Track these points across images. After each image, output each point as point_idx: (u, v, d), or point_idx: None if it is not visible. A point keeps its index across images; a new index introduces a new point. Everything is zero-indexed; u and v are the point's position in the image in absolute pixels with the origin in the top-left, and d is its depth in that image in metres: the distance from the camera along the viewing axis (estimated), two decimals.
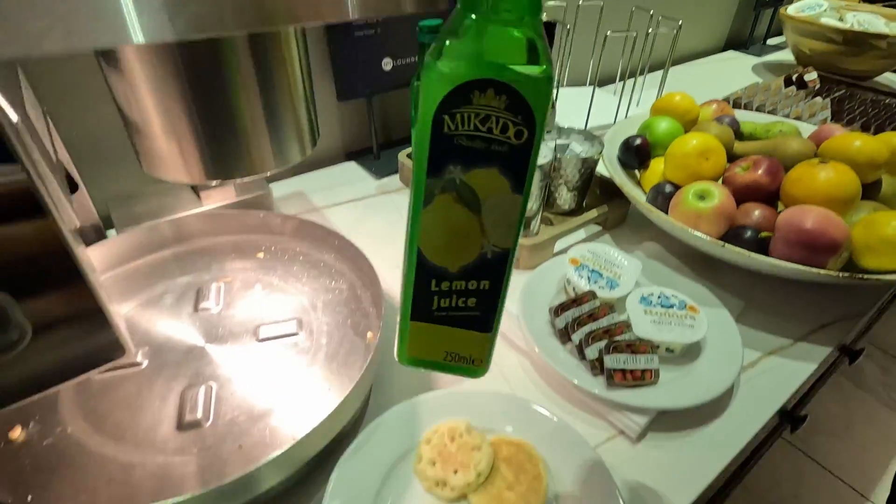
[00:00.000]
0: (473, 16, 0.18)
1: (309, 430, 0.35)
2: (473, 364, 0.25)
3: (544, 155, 0.62)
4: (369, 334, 0.49)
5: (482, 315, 0.24)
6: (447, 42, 0.18)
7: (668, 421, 0.49)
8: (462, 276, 0.23)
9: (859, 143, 0.64)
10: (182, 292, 0.53)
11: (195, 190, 0.64)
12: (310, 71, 0.35)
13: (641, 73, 1.10)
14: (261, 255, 0.57)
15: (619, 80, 1.09)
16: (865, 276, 0.52)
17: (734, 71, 1.45)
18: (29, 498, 0.35)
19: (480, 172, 0.20)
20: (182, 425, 0.40)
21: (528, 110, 0.19)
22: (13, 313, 0.28)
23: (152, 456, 0.39)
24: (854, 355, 0.73)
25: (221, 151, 0.32)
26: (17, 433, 0.39)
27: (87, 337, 0.31)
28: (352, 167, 0.88)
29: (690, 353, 0.53)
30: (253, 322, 0.49)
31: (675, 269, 0.63)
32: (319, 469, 0.43)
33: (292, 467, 0.38)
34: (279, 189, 0.81)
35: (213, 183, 0.47)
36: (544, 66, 0.18)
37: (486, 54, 0.18)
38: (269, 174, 0.46)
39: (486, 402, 0.47)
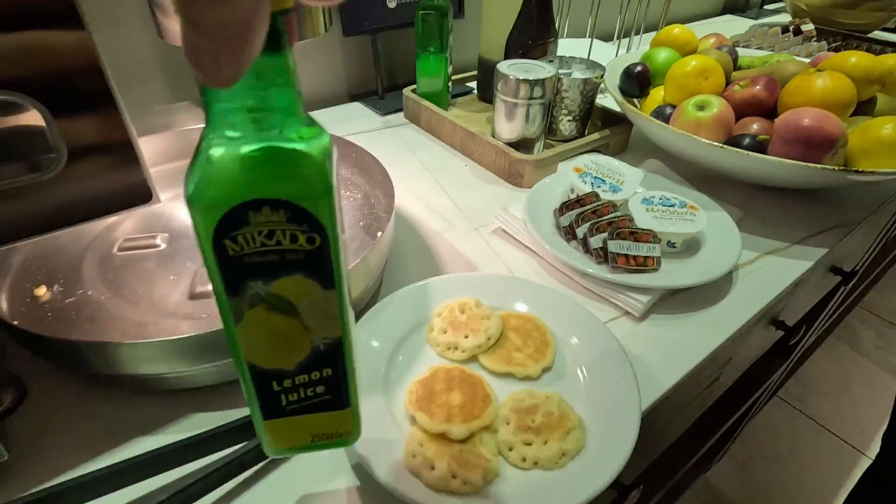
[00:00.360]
0: (230, 133, 0.16)
1: None
2: (342, 436, 0.24)
3: (544, 83, 0.64)
4: (379, 234, 0.50)
5: (334, 397, 0.23)
6: (204, 167, 0.16)
7: (669, 304, 0.50)
8: (301, 370, 0.21)
9: (855, 59, 0.66)
10: None
11: None
12: None
13: (637, 32, 1.12)
14: None
15: (616, 39, 1.11)
16: (860, 170, 0.53)
17: (731, 33, 1.46)
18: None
19: (284, 281, 0.19)
20: (194, 295, 0.42)
21: (311, 217, 0.17)
22: (50, 129, 0.29)
23: (164, 318, 0.41)
24: (848, 277, 0.75)
25: None
26: (42, 291, 0.41)
27: (118, 171, 0.33)
28: (356, 106, 0.89)
29: (691, 248, 0.55)
30: None
31: (675, 182, 0.65)
32: None
33: None
34: None
35: None
36: (317, 171, 0.17)
37: (250, 172, 0.17)
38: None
39: (495, 283, 0.49)
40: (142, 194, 0.34)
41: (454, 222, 0.61)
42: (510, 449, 0.36)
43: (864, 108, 0.67)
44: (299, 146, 0.17)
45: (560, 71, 0.75)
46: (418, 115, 0.81)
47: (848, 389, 1.68)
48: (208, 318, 0.41)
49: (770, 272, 0.55)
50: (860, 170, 0.54)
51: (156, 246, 0.48)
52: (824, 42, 1.03)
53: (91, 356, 0.35)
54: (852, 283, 0.80)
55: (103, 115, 0.31)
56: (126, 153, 0.32)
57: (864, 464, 1.46)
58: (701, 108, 0.62)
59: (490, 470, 0.34)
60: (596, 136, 0.72)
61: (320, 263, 0.19)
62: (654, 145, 0.74)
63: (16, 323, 0.35)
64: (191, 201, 0.17)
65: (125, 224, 0.50)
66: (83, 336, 0.37)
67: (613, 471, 0.33)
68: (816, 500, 1.37)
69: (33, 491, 0.30)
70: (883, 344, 1.83)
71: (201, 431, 0.35)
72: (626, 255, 0.50)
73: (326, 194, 0.17)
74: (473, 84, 0.94)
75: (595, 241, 0.51)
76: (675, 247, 0.54)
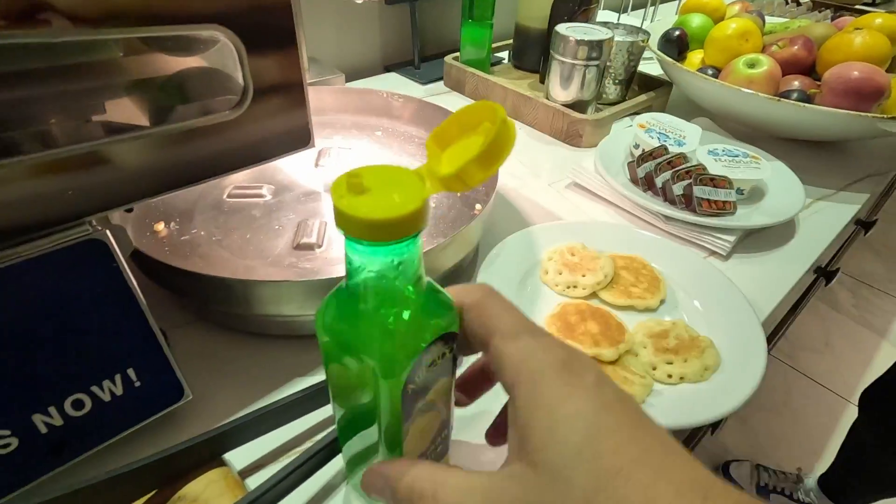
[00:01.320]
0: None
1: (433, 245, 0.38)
2: None
3: (602, 45, 0.66)
4: (478, 206, 0.52)
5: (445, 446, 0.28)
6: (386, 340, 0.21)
7: (746, 244, 0.54)
8: (432, 443, 0.26)
9: (881, 20, 0.71)
10: (306, 153, 0.55)
11: None
12: None
13: (653, 3, 1.16)
14: (379, 133, 0.59)
15: (648, 6, 1.15)
16: None
17: None
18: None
19: (436, 389, 0.23)
20: (298, 245, 0.43)
21: (453, 335, 0.23)
22: (243, 66, 0.30)
23: (269, 265, 0.42)
24: (868, 226, 0.82)
25: None
26: (160, 227, 0.44)
27: (289, 113, 0.34)
28: (393, 77, 0.90)
29: (755, 195, 0.59)
30: None
31: (726, 136, 0.69)
32: None
33: None
34: None
35: None
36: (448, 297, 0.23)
37: (424, 318, 0.21)
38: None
39: (595, 229, 0.51)
40: (303, 138, 0.35)
41: (526, 181, 0.63)
42: (654, 368, 0.38)
43: (889, 67, 0.72)
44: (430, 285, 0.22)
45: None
46: (462, 83, 0.83)
47: (831, 345, 1.80)
48: (311, 267, 0.42)
49: (826, 215, 0.60)
50: None
51: (262, 196, 0.49)
52: (827, 11, 1.09)
53: (237, 293, 0.36)
54: (870, 231, 0.87)
55: (287, 53, 0.31)
56: (298, 95, 0.33)
57: (850, 410, 1.58)
58: (751, 65, 0.66)
59: (647, 384, 0.36)
60: (643, 97, 0.75)
61: (454, 361, 0.24)
62: (694, 107, 0.77)
63: (162, 256, 0.36)
64: (386, 376, 0.20)
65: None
66: (224, 272, 0.38)
67: (756, 378, 0.37)
68: (810, 445, 1.48)
69: (223, 423, 0.31)
70: (859, 303, 1.97)
71: None
72: (709, 200, 0.53)
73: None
74: (503, 54, 0.96)
75: (677, 188, 0.54)
76: (742, 193, 0.58)
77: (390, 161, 0.54)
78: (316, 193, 0.50)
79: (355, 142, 0.58)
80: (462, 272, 0.48)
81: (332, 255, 0.43)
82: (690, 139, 0.62)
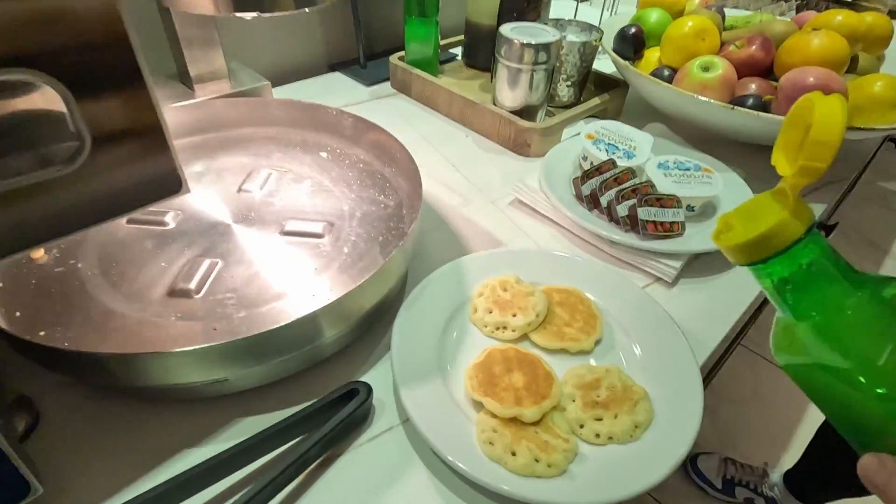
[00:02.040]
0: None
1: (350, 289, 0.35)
2: None
3: (549, 47, 0.62)
4: (412, 225, 0.47)
5: None
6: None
7: (695, 268, 0.51)
8: None
9: (841, 17, 0.67)
10: (237, 171, 0.51)
11: (186, 81, 0.59)
12: None
13: None
14: (324, 154, 0.54)
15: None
16: (860, 126, 0.55)
17: None
18: (17, 314, 0.36)
19: None
20: (173, 292, 0.39)
21: None
22: (72, 112, 0.25)
23: (136, 311, 0.37)
24: (829, 230, 0.79)
25: None
26: (39, 254, 0.40)
27: (146, 159, 0.29)
28: (337, 77, 0.84)
29: (707, 210, 0.56)
30: (285, 215, 0.46)
31: (680, 144, 0.65)
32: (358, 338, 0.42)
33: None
34: None
35: (239, 15, 0.44)
36: None
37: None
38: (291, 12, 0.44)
39: (529, 259, 0.48)
40: (171, 185, 0.30)
41: (468, 197, 0.59)
42: (581, 426, 0.35)
43: (849, 66, 0.69)
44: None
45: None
46: (408, 85, 0.78)
47: None
48: (175, 321, 0.37)
49: None
50: (859, 126, 0.56)
51: (164, 224, 0.44)
52: (793, 1, 1.06)
53: (109, 368, 0.31)
54: (830, 235, 0.85)
55: (133, 94, 0.26)
56: (156, 138, 0.28)
57: None
58: (706, 69, 0.62)
59: (570, 450, 0.33)
60: (596, 101, 0.71)
61: None
62: (650, 109, 0.74)
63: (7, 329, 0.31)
64: None
65: None
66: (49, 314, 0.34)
67: (690, 437, 0.34)
68: (779, 435, 1.49)
69: None
70: None
71: (257, 433, 0.32)
72: (655, 222, 0.50)
73: None
74: (457, 50, 0.90)
75: (622, 209, 0.51)
76: (693, 210, 0.55)
77: (324, 185, 0.50)
78: (223, 226, 0.45)
79: (296, 164, 0.53)
80: (387, 309, 0.44)
81: (206, 305, 0.38)
82: (641, 150, 0.58)
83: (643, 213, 0.50)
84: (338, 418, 0.34)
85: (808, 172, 0.23)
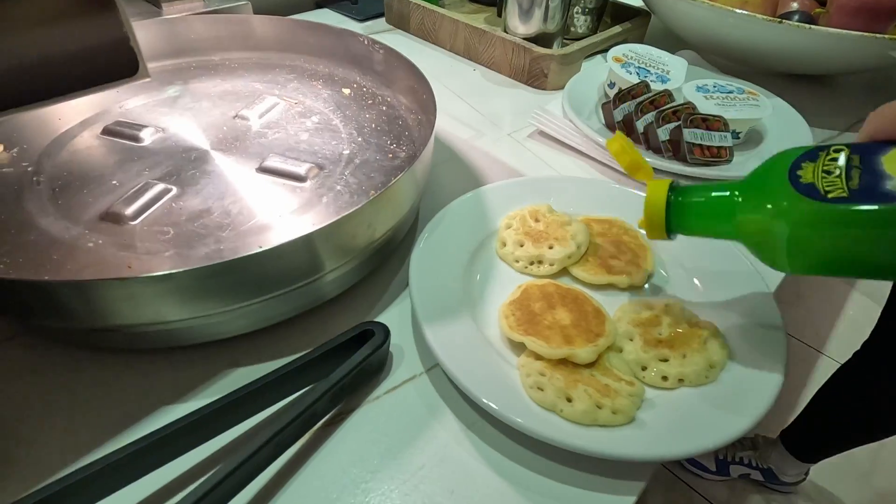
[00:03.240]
0: None
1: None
2: None
3: None
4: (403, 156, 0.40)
5: None
6: None
7: None
8: None
9: None
10: (242, 96, 0.44)
11: None
12: None
13: None
14: (347, 90, 0.46)
15: None
16: None
17: None
18: None
19: None
20: (106, 215, 0.32)
21: None
22: None
23: (57, 230, 0.31)
24: None
25: None
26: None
27: (89, 19, 0.21)
28: (326, 14, 0.76)
29: (753, 138, 0.49)
30: (273, 149, 0.39)
31: (715, 73, 0.58)
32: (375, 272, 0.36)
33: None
34: None
35: None
36: None
37: None
38: None
39: (563, 186, 0.41)
40: (123, 61, 0.23)
41: (482, 129, 0.52)
42: (643, 368, 0.29)
43: None
44: None
45: None
46: (406, 18, 0.70)
47: (802, 296, 1.78)
48: (95, 246, 0.30)
49: None
50: None
51: (138, 140, 0.38)
52: None
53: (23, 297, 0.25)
54: None
55: None
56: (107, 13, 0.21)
57: (823, 361, 1.57)
58: None
59: (637, 393, 0.27)
60: (617, 28, 0.64)
61: None
62: (675, 39, 0.67)
63: None
64: None
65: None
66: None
67: (778, 374, 0.28)
68: (784, 396, 1.47)
69: (45, 485, 0.21)
70: None
71: (250, 382, 0.26)
72: (702, 146, 0.43)
73: None
74: None
75: (662, 133, 0.44)
76: (738, 137, 0.49)
77: (332, 125, 0.41)
78: (199, 151, 0.38)
79: (310, 98, 0.45)
80: (397, 246, 0.38)
81: (137, 234, 0.31)
82: (675, 74, 0.52)
83: (688, 135, 0.43)
84: (349, 365, 0.27)
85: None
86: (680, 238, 0.31)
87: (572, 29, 0.67)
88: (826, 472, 1.15)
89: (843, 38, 0.49)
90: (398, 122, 0.43)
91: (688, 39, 0.63)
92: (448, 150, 0.49)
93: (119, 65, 0.23)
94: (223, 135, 0.39)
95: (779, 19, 0.51)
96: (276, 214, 0.33)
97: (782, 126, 0.50)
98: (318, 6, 0.78)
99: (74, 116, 0.39)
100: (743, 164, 0.45)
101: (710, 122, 0.44)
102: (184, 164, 0.36)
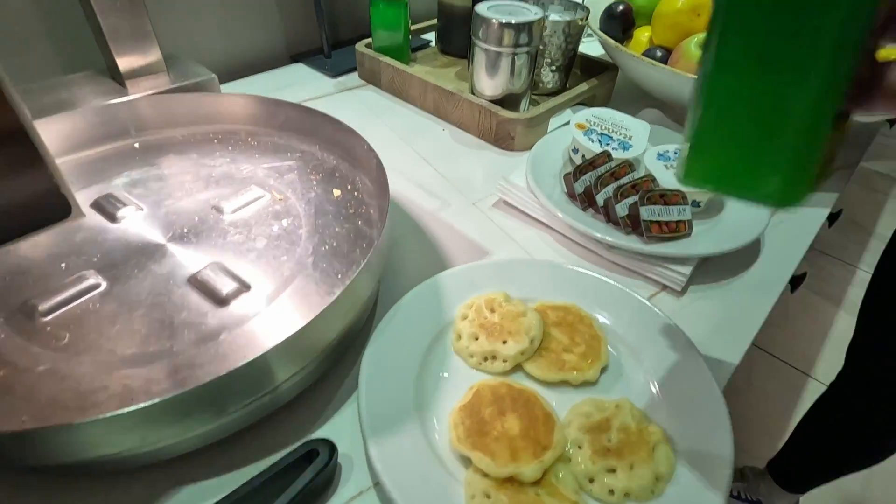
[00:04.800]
0: None
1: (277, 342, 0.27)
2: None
3: (531, 27, 0.55)
4: (378, 234, 0.40)
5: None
6: None
7: (706, 272, 0.45)
8: None
9: None
10: (236, 181, 0.44)
11: (117, 77, 0.51)
12: None
13: None
14: (338, 193, 0.44)
15: None
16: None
17: None
18: None
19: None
20: (23, 306, 0.32)
21: None
22: None
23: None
24: (833, 218, 0.75)
25: None
26: None
27: (14, 175, 0.21)
28: (300, 69, 0.76)
29: (714, 206, 0.50)
30: (219, 255, 0.38)
31: (679, 132, 0.59)
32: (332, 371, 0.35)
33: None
34: None
35: None
36: None
37: None
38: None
39: (518, 271, 0.41)
40: (56, 207, 0.23)
41: (447, 198, 0.52)
42: (591, 481, 0.29)
43: None
44: None
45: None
46: (377, 75, 0.70)
47: (789, 318, 1.79)
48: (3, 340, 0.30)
49: (794, 222, 0.52)
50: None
51: (114, 219, 0.39)
52: None
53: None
54: (835, 223, 0.80)
55: None
56: (23, 148, 0.21)
57: (810, 383, 1.57)
58: None
59: None
60: (584, 86, 0.65)
61: None
62: (642, 93, 0.67)
63: None
64: None
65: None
66: None
67: (723, 486, 0.28)
68: (775, 422, 1.47)
69: None
70: (814, 272, 1.96)
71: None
72: (659, 222, 0.44)
73: None
74: (430, 36, 0.83)
75: (621, 209, 0.45)
76: (699, 206, 0.49)
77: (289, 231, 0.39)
78: (155, 245, 0.38)
79: (296, 198, 0.43)
80: (354, 339, 0.38)
81: (40, 337, 0.31)
82: (637, 140, 0.52)
83: (646, 212, 0.44)
84: (293, 489, 0.27)
85: None
86: (628, 327, 0.30)
87: (541, 84, 0.68)
88: (817, 501, 1.14)
89: None
90: (363, 243, 0.39)
91: (653, 95, 0.64)
92: (412, 222, 0.49)
93: (52, 209, 0.23)
94: (189, 227, 0.39)
95: None
96: (179, 336, 0.32)
97: None
98: (294, 60, 0.78)
99: None
100: (704, 235, 0.46)
101: (669, 197, 0.45)
102: (133, 256, 0.37)
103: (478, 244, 0.47)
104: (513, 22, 0.55)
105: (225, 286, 0.34)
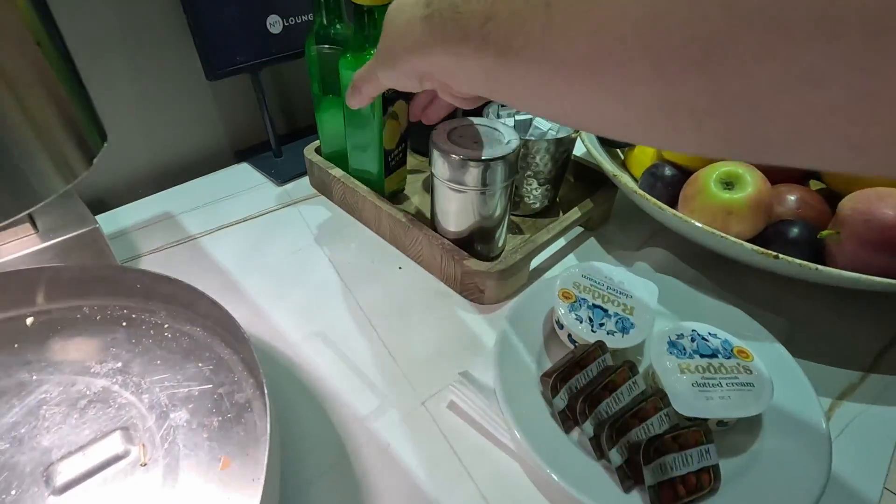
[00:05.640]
0: None
1: None
2: None
3: (507, 161, 0.43)
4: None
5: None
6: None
7: None
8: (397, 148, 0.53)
9: None
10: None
11: None
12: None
13: None
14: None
15: None
16: None
17: None
18: None
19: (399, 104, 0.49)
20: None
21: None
22: None
23: None
24: None
25: None
26: None
27: None
28: (244, 171, 0.65)
29: (748, 422, 0.36)
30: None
31: (693, 283, 0.46)
32: None
33: None
34: (134, 214, 0.57)
35: None
36: None
37: None
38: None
39: None
40: None
41: (388, 393, 0.40)
42: None
43: None
44: None
45: (517, 118, 0.54)
46: (328, 186, 0.59)
47: None
48: None
49: (857, 436, 0.38)
50: None
51: None
52: None
53: None
54: None
55: None
56: None
57: None
58: (728, 184, 0.44)
59: None
60: (576, 212, 0.52)
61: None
62: (646, 216, 0.55)
63: None
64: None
65: None
66: None
67: None
68: None
69: None
70: None
71: None
72: (673, 481, 0.31)
73: None
74: None
75: (615, 457, 0.32)
76: (726, 425, 0.36)
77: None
78: None
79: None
80: None
81: None
82: (640, 315, 0.40)
83: (651, 475, 0.30)
84: None
85: None
86: None
87: (524, 204, 0.55)
88: None
89: (860, 282, 0.37)
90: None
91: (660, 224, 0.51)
92: (337, 445, 0.36)
93: None
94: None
95: (774, 254, 0.38)
96: None
97: (781, 395, 0.37)
98: (239, 160, 0.67)
99: None
100: (736, 483, 0.32)
101: (685, 437, 0.32)
102: None
103: (417, 479, 0.34)
104: (482, 158, 0.42)
105: None
